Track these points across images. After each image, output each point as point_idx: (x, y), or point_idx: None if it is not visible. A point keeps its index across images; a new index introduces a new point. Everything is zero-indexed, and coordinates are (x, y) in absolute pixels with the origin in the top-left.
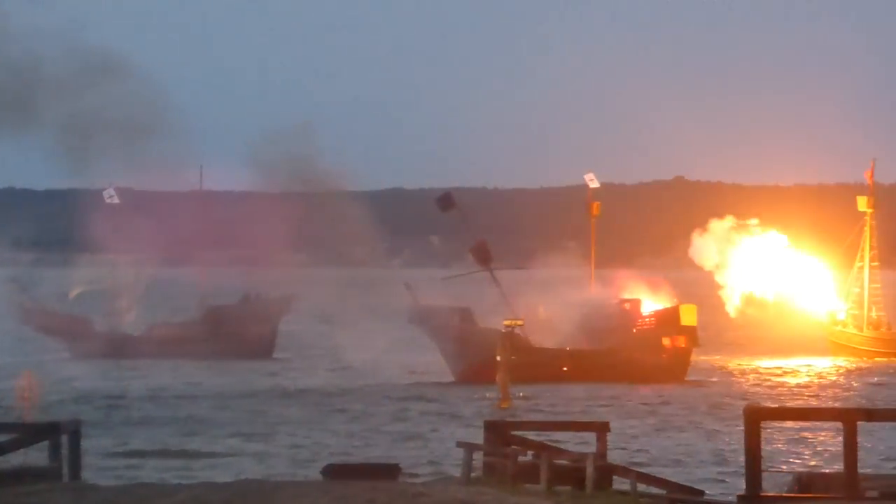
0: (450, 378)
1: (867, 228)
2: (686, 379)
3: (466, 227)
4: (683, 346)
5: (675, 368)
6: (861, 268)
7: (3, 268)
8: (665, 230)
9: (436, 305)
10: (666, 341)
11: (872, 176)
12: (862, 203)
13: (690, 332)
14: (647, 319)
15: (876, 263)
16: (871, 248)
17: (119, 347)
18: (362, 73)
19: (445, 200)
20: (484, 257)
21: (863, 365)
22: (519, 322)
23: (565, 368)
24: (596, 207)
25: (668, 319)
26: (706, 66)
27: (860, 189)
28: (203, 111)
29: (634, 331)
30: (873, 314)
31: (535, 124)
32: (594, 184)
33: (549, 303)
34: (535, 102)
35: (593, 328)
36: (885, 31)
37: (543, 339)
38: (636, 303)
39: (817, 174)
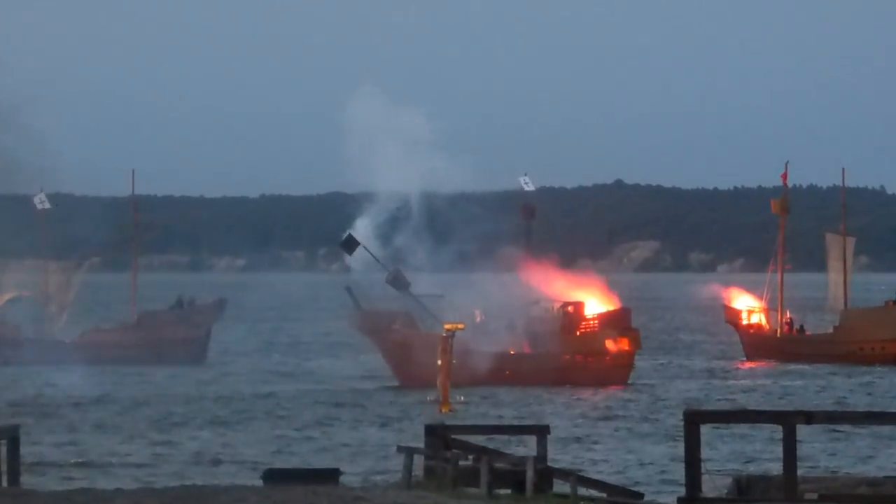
0: (394, 382)
1: (781, 231)
2: (629, 382)
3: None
4: (627, 348)
5: (618, 371)
6: (775, 270)
7: None
8: (605, 233)
9: (378, 310)
10: (610, 344)
11: (786, 179)
12: (776, 206)
13: (634, 335)
14: (591, 322)
15: (789, 266)
16: (784, 250)
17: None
18: None
19: (349, 244)
20: (401, 284)
21: (790, 367)
22: (459, 326)
23: (507, 372)
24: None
25: (611, 322)
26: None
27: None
28: None
29: (578, 333)
30: (786, 316)
31: (471, 126)
32: (529, 187)
33: (490, 306)
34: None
35: (535, 331)
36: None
37: (484, 343)
38: (579, 305)
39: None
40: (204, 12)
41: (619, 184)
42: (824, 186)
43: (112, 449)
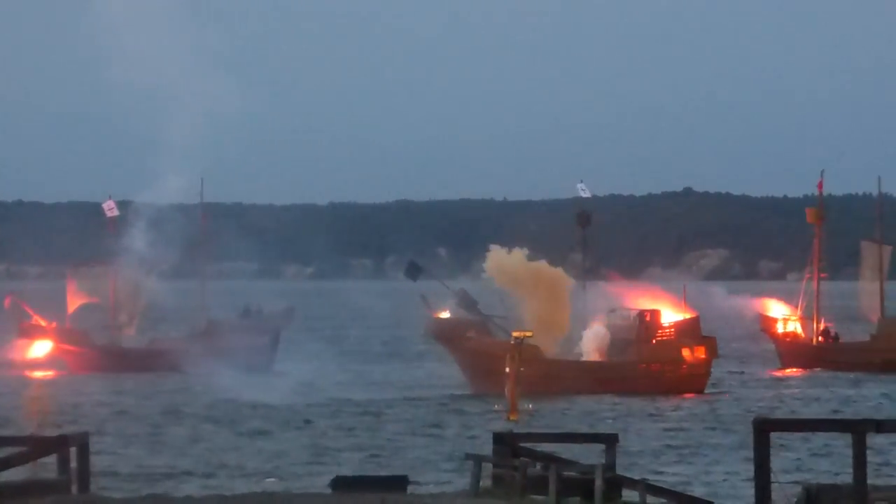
0: (467, 390)
1: (816, 240)
2: (705, 390)
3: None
4: (703, 356)
5: (694, 379)
6: (811, 278)
7: None
8: (674, 241)
9: (452, 318)
10: (686, 352)
11: (822, 187)
12: (811, 215)
13: (710, 343)
14: (667, 330)
15: (825, 275)
16: (820, 259)
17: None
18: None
19: (412, 271)
20: (469, 304)
21: (850, 376)
22: (528, 333)
23: (583, 380)
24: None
25: (687, 330)
26: (719, 71)
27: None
28: None
29: (654, 342)
30: (822, 324)
31: (537, 133)
32: (586, 194)
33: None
34: (537, 111)
35: (612, 339)
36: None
37: (560, 351)
38: (656, 313)
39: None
40: (291, 17)
41: (688, 191)
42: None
43: (179, 456)
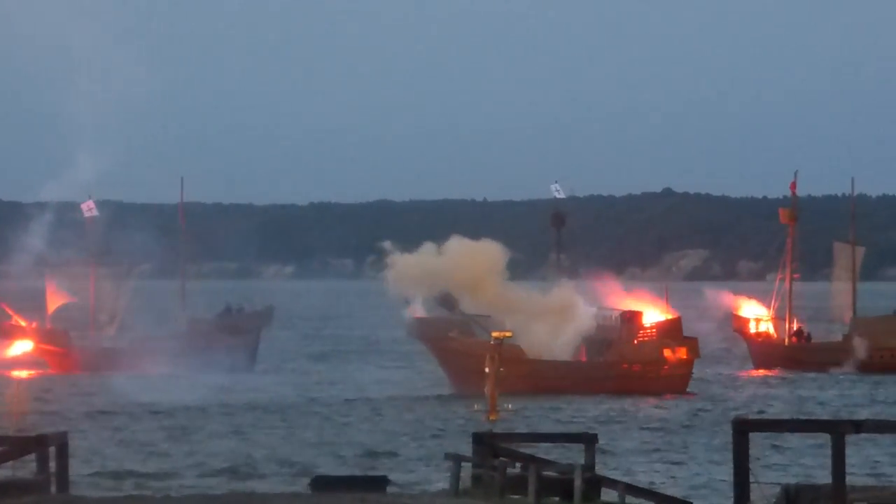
0: (449, 390)
1: (789, 241)
2: (687, 391)
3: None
4: (685, 357)
5: (676, 380)
6: (783, 279)
7: None
8: (654, 242)
9: (434, 318)
10: (668, 353)
11: (795, 188)
12: (784, 215)
13: (692, 344)
14: (649, 331)
15: (797, 275)
16: (794, 259)
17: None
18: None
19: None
20: (450, 304)
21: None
22: (507, 334)
23: (564, 381)
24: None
25: (669, 331)
26: (699, 72)
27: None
28: None
29: (636, 342)
30: (795, 325)
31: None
32: (561, 194)
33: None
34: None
35: (594, 339)
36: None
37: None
38: (638, 314)
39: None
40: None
41: (667, 192)
42: (874, 196)
43: (160, 456)
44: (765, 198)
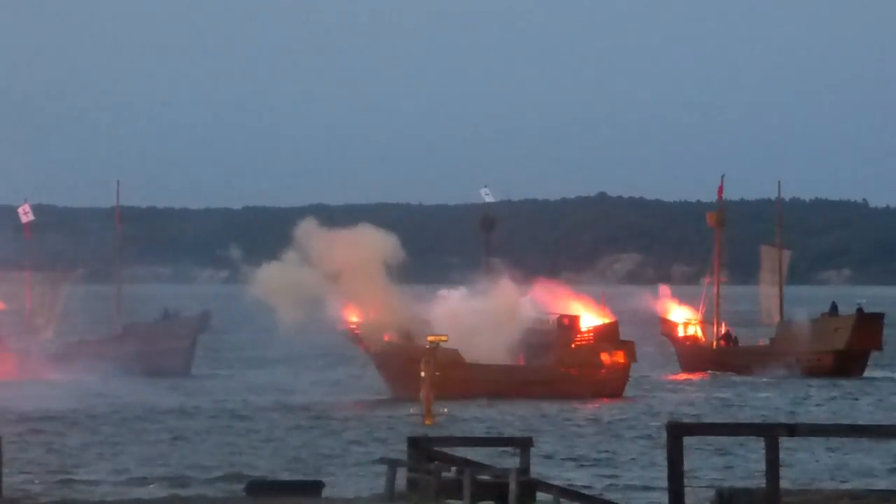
0: (384, 394)
1: (716, 244)
2: (624, 395)
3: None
4: (622, 361)
5: (613, 384)
6: (711, 283)
7: None
8: (588, 245)
9: (371, 322)
10: (605, 357)
11: (722, 192)
12: (711, 219)
13: (629, 348)
14: (586, 335)
15: (725, 278)
16: (721, 263)
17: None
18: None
19: None
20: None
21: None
22: (443, 338)
23: (501, 385)
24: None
25: (606, 335)
26: (632, 76)
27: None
28: None
29: (573, 346)
30: (723, 328)
31: (452, 139)
32: (490, 198)
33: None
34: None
35: (530, 343)
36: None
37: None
38: (575, 318)
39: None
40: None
41: (602, 196)
42: (807, 199)
43: (93, 461)
44: (698, 202)
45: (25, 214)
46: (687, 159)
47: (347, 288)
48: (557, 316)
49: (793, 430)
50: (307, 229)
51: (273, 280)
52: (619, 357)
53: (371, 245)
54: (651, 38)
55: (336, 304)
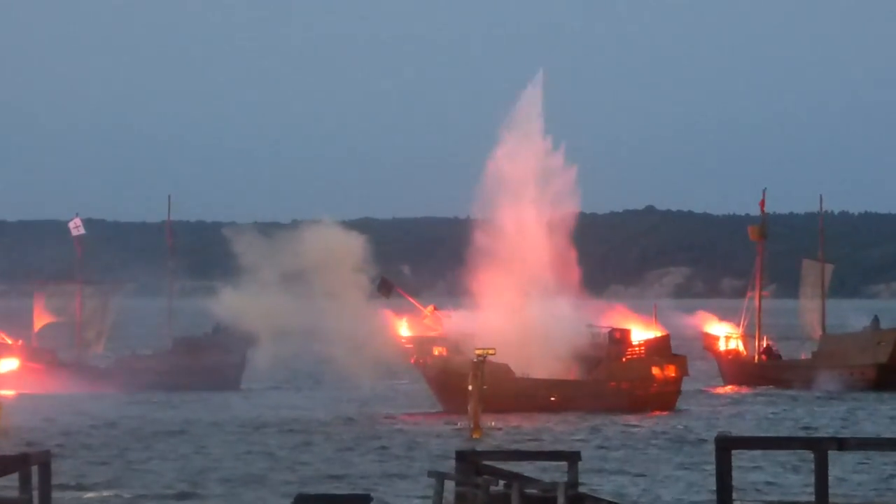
0: (434, 408)
1: (758, 258)
2: (676, 409)
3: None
4: (673, 375)
5: (664, 398)
6: (753, 296)
7: None
8: (637, 259)
9: (421, 336)
10: (656, 370)
11: (764, 206)
12: (753, 233)
13: (680, 361)
14: (637, 349)
15: (767, 292)
16: (764, 277)
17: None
18: None
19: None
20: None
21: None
22: (491, 351)
23: (553, 399)
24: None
25: (658, 349)
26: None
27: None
28: None
29: (624, 360)
30: (764, 342)
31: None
32: None
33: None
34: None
35: (583, 357)
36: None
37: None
38: (626, 332)
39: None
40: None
41: (650, 209)
42: (855, 213)
43: (142, 475)
44: (747, 215)
45: (76, 228)
46: (735, 173)
47: (324, 285)
48: (609, 329)
49: (842, 443)
50: (247, 241)
51: (247, 310)
52: (671, 371)
53: (338, 243)
54: (698, 52)
55: (384, 317)
